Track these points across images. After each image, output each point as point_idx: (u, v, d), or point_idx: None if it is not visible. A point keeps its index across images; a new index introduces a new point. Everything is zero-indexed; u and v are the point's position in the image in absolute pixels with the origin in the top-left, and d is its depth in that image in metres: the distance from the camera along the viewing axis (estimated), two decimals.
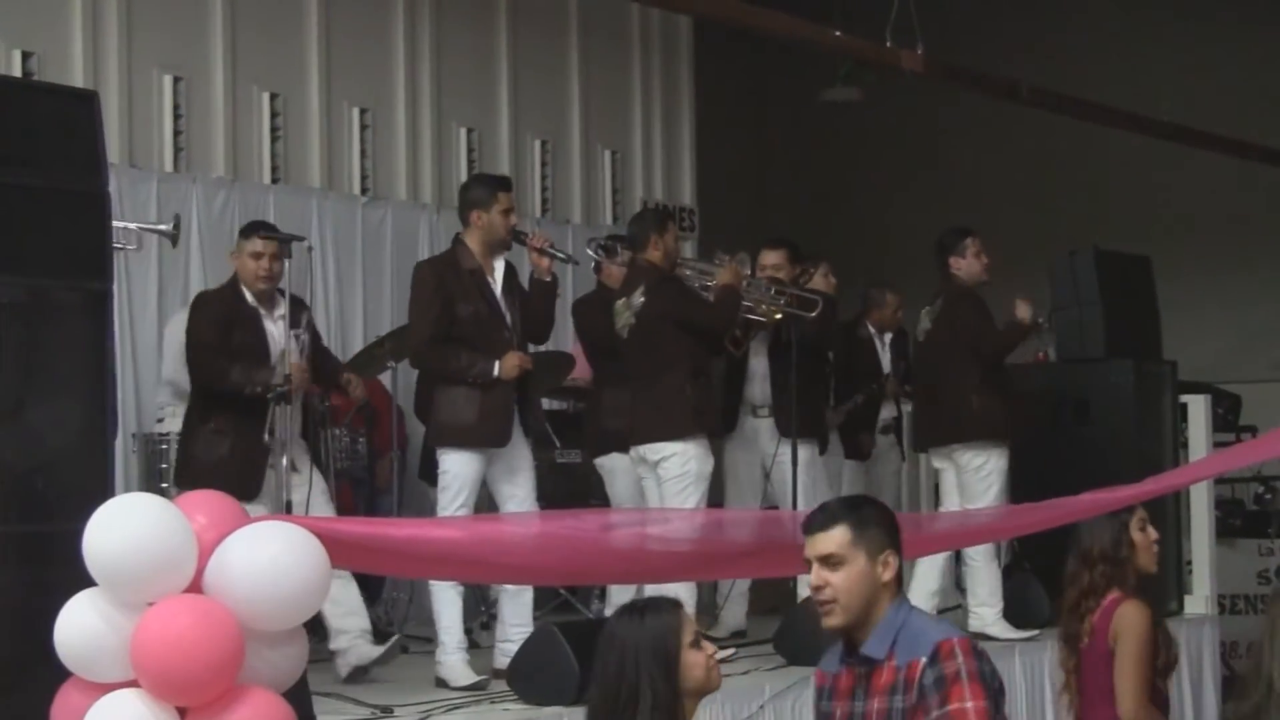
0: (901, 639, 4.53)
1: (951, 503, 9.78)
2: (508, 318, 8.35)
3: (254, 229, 8.44)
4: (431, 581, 8.09)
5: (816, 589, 4.67)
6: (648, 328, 8.83)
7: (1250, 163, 14.63)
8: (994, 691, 4.42)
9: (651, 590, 8.50)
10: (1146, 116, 13.88)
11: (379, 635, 9.34)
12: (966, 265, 9.79)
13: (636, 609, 4.75)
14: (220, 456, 8.03)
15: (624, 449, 9.11)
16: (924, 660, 4.44)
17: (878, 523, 4.66)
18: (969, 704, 4.35)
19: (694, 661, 4.58)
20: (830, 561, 4.61)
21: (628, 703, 4.54)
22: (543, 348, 9.45)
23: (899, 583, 4.68)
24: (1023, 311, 9.76)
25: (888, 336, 11.16)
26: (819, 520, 4.71)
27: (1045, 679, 9.44)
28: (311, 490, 8.15)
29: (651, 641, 4.58)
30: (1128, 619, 6.25)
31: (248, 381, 7.98)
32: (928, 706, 4.39)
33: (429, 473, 10.00)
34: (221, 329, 8.14)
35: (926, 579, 9.58)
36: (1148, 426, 10.75)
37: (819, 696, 4.84)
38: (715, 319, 9.05)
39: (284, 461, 8.04)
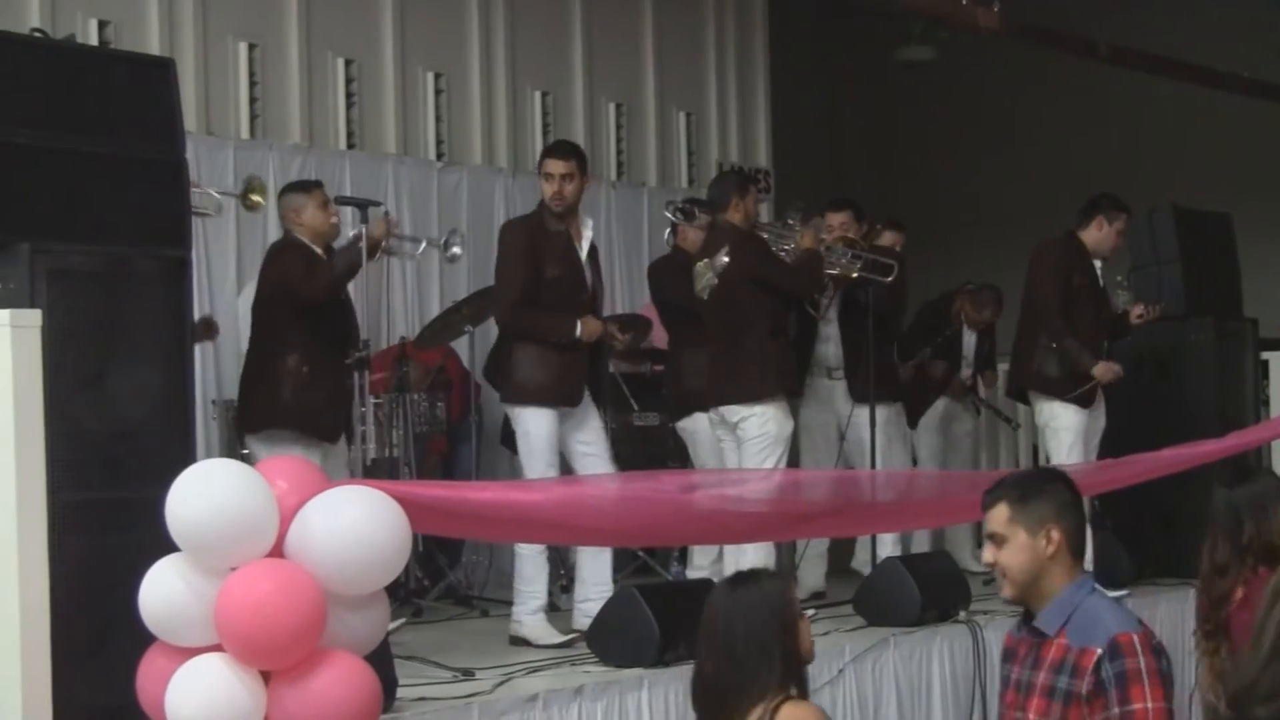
0: (1075, 620, 4.54)
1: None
2: (589, 281, 8.45)
3: (310, 184, 8.62)
4: (518, 545, 8.14)
5: (989, 564, 4.75)
6: (730, 288, 8.78)
7: None
8: (1170, 687, 4.45)
9: (730, 551, 8.56)
10: (1226, 72, 13.75)
11: (459, 599, 9.42)
12: (1102, 236, 9.72)
13: (748, 578, 4.77)
14: (313, 400, 8.15)
15: (705, 410, 9.09)
16: (1100, 651, 4.45)
17: (1041, 496, 4.66)
18: (1150, 705, 4.37)
19: (805, 630, 4.66)
20: (995, 539, 4.66)
21: (759, 668, 4.55)
22: (621, 311, 9.46)
23: (1078, 557, 4.67)
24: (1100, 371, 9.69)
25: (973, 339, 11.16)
26: (987, 498, 4.76)
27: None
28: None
29: (777, 607, 4.63)
30: None
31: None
32: (1108, 702, 4.41)
33: (510, 437, 10.04)
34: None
35: None
36: (1229, 384, 10.70)
37: (1003, 658, 4.92)
38: (801, 284, 9.05)
39: (367, 424, 8.17)
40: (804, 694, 4.66)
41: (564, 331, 8.22)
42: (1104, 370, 9.50)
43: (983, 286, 11.34)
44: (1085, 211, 9.73)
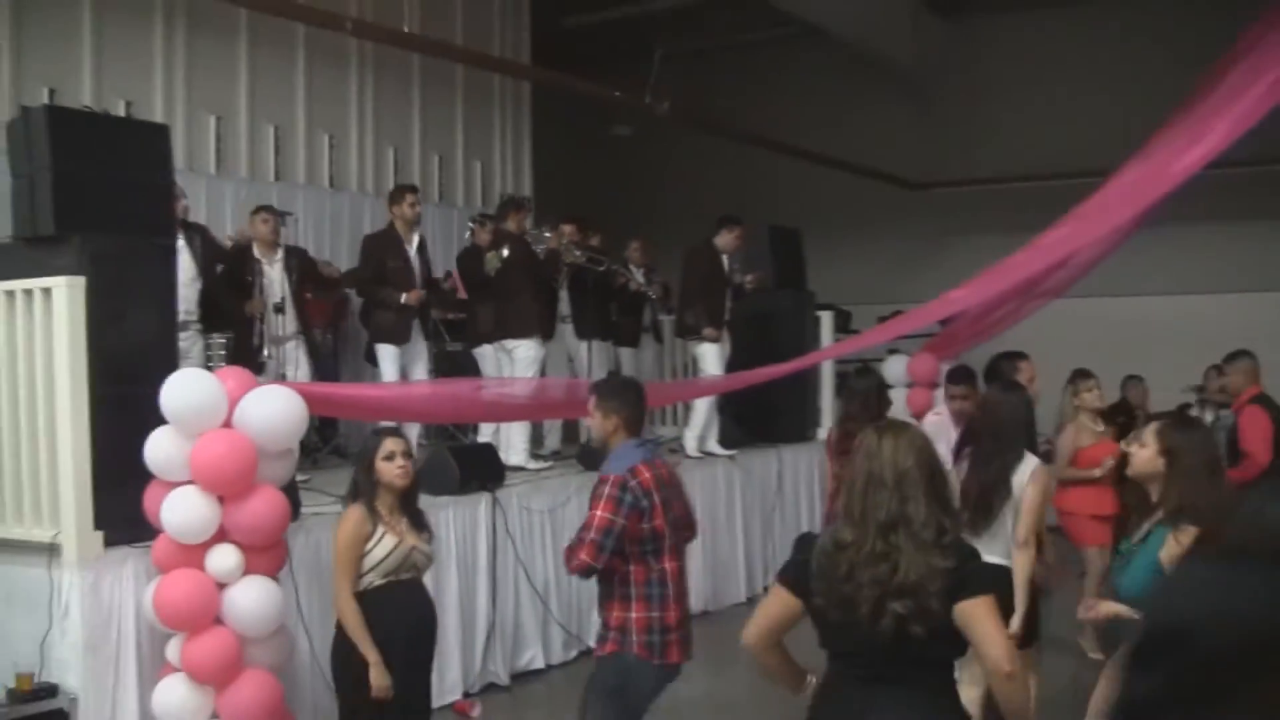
0: (607, 463, 4.68)
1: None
2: (416, 270, 8.50)
3: (260, 208, 8.35)
4: None
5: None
6: (509, 269, 8.65)
7: (857, 178, 14.14)
8: (622, 508, 4.46)
9: (504, 426, 8.53)
10: (792, 145, 13.48)
11: (340, 454, 9.22)
12: (725, 241, 9.63)
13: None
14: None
15: (491, 342, 8.95)
16: (598, 478, 4.58)
17: (611, 396, 4.73)
18: (598, 512, 4.44)
19: (382, 468, 4.88)
20: (591, 414, 4.78)
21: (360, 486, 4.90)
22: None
23: (635, 429, 4.69)
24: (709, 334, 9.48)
25: (640, 270, 10.75)
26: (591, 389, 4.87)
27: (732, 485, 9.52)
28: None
29: (363, 453, 4.94)
30: None
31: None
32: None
33: (372, 356, 9.98)
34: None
35: (698, 415, 9.71)
36: (798, 332, 10.71)
37: None
38: (548, 272, 9.05)
39: (282, 350, 8.09)
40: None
41: (391, 300, 8.38)
42: (711, 334, 9.48)
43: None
44: (716, 226, 9.77)
